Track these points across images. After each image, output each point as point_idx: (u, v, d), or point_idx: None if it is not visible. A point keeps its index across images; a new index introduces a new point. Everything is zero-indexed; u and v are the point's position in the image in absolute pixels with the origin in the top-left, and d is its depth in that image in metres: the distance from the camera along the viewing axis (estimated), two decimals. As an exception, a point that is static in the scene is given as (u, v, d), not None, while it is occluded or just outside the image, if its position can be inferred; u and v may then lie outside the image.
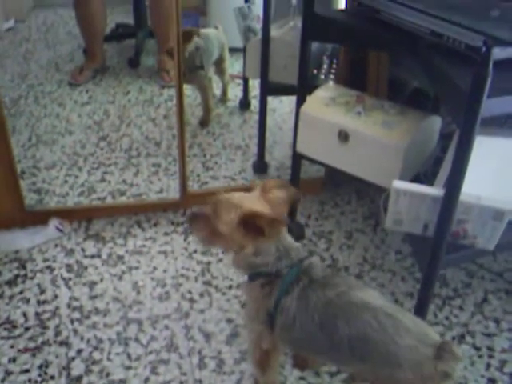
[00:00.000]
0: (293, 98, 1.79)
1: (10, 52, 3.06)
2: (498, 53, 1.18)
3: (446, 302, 1.76)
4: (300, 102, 1.71)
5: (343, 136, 1.58)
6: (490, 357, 1.59)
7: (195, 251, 1.91)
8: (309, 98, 1.69)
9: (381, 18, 1.47)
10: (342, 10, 1.80)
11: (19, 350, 1.56)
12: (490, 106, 1.14)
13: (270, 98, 2.18)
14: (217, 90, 2.71)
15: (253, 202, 1.22)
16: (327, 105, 1.62)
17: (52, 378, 1.50)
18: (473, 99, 1.13)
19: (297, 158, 1.81)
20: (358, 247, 1.95)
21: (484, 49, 1.09)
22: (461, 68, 1.23)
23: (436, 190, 1.29)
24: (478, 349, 1.62)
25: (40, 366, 1.53)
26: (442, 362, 1.09)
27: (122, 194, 2.13)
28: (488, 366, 1.57)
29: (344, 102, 1.63)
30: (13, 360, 1.54)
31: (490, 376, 1.54)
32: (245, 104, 2.63)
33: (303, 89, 1.72)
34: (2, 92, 2.09)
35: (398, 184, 1.32)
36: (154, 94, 2.76)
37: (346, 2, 1.78)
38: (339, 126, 1.58)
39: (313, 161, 1.74)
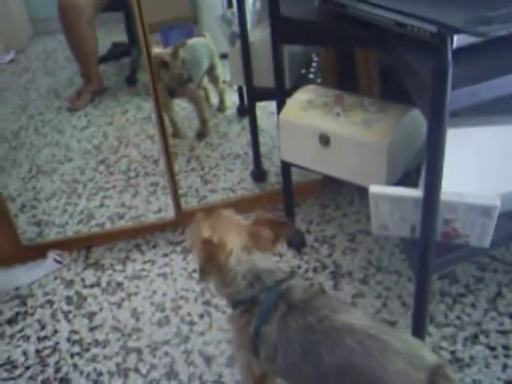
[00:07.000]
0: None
1: (11, 84, 3.08)
2: (462, 40, 1.10)
3: (457, 299, 1.66)
4: (280, 108, 1.65)
5: (324, 139, 1.51)
6: (506, 356, 1.49)
7: (194, 270, 1.87)
8: (287, 103, 1.62)
9: (348, 14, 1.39)
10: (310, 10, 1.71)
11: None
12: (458, 97, 1.06)
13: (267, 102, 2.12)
14: (214, 99, 2.66)
15: (226, 231, 1.18)
16: (304, 109, 1.55)
17: (52, 417, 1.49)
18: (437, 91, 1.04)
19: (285, 166, 1.75)
20: (362, 250, 1.87)
21: (440, 35, 1.00)
22: (427, 60, 1.15)
23: (415, 192, 1.21)
24: (492, 349, 1.52)
25: (40, 406, 1.52)
26: None
27: (121, 217, 2.11)
28: (504, 366, 1.47)
29: (322, 104, 1.55)
30: (13, 402, 1.54)
31: (507, 378, 1.44)
32: (242, 110, 2.56)
33: (280, 94, 1.65)
34: (3, 125, 2.09)
35: (375, 189, 1.24)
36: (151, 110, 2.72)
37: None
38: (319, 129, 1.51)
39: (300, 167, 1.67)
